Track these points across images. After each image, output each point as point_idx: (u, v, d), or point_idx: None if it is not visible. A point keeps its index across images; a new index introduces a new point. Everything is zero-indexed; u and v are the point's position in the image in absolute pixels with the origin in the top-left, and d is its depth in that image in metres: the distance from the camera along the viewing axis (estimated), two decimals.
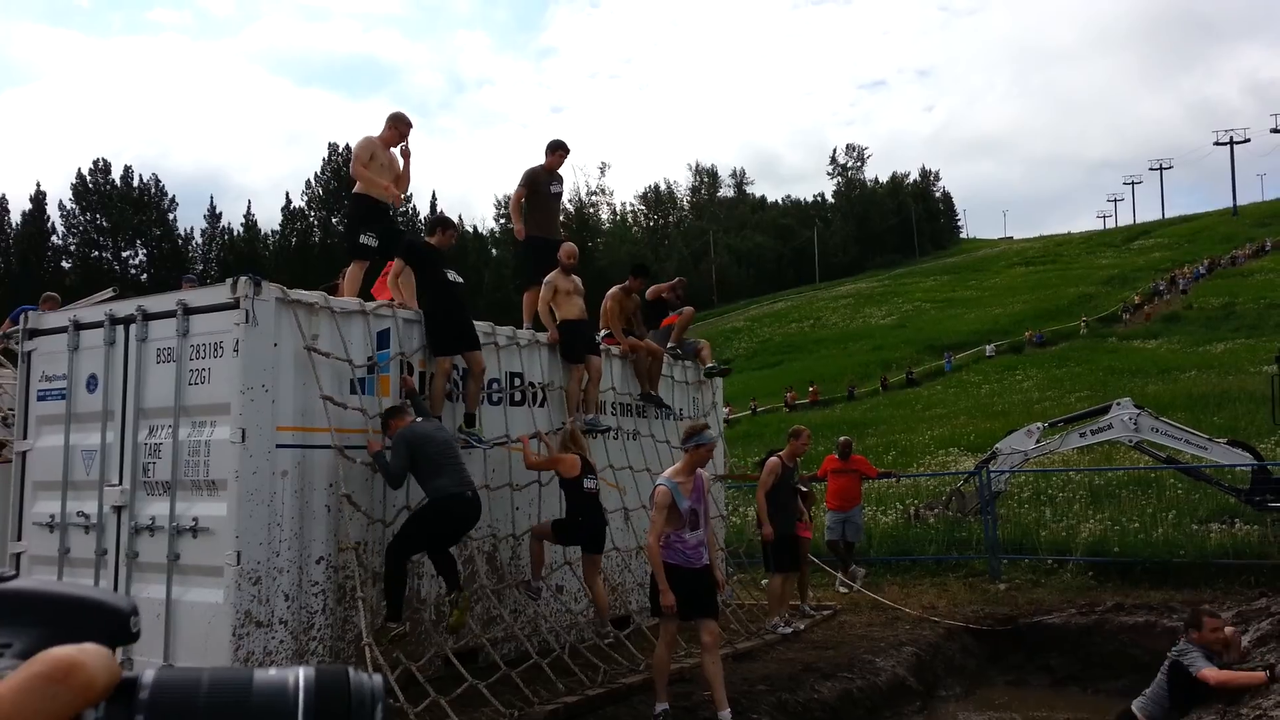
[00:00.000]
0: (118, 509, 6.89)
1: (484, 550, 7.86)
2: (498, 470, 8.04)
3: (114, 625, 0.59)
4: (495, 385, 8.33)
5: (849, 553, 12.11)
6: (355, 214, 8.71)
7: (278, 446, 6.44)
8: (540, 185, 9.50)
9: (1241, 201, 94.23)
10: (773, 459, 9.87)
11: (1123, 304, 54.31)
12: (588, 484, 7.83)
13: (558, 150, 9.59)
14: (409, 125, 8.61)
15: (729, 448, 11.89)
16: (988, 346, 47.64)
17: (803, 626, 9.74)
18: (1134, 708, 6.50)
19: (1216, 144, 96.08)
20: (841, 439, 13.10)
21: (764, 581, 10.56)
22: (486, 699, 6.43)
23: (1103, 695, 8.62)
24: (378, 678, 0.60)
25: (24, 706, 0.46)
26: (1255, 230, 75.70)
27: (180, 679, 0.52)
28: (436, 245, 7.88)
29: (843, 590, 11.60)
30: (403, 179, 8.53)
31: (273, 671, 0.55)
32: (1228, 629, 6.57)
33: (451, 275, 7.79)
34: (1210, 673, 6.12)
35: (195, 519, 6.48)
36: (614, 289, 10.18)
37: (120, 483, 6.92)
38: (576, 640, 8.09)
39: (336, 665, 0.58)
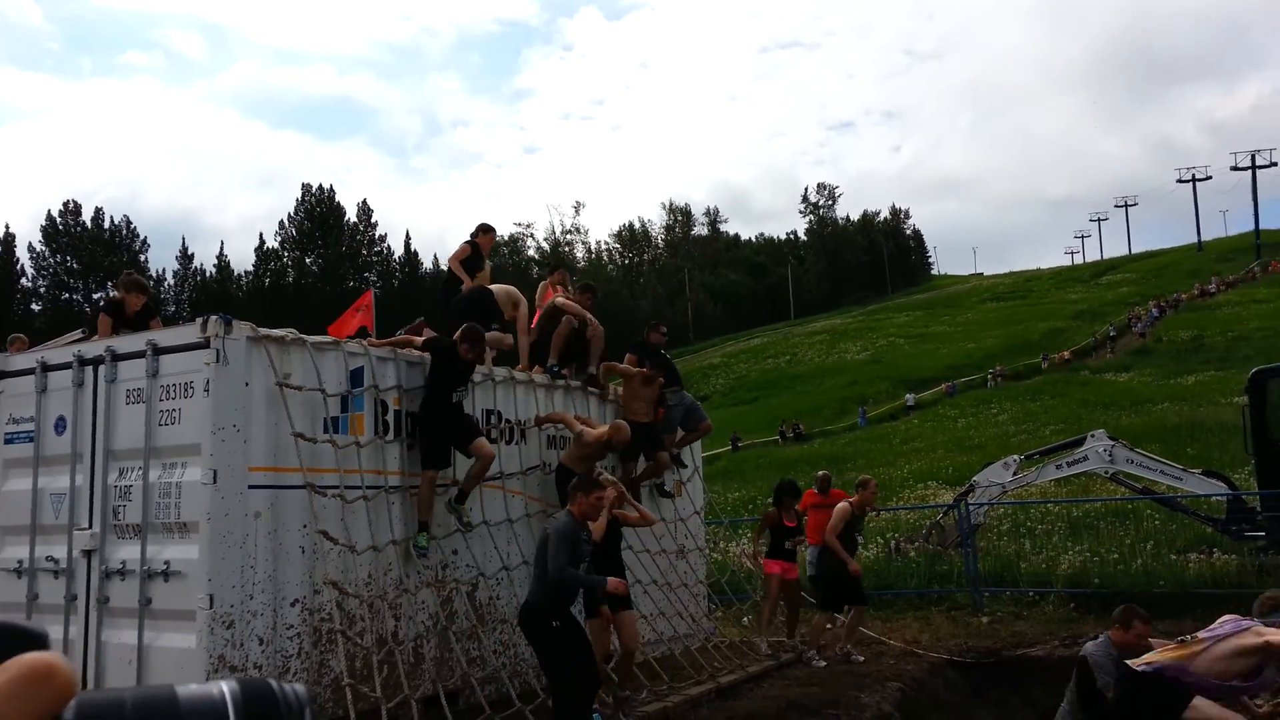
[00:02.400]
0: (87, 553, 6.72)
1: (461, 590, 7.73)
2: (474, 510, 7.93)
3: (37, 649, 0.57)
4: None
5: None
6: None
7: (250, 487, 6.32)
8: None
9: (1206, 237, 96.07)
10: (843, 505, 10.12)
11: (1094, 338, 55.07)
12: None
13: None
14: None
15: (707, 485, 11.83)
16: (909, 396, 47.25)
17: (823, 663, 9.68)
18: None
19: (1179, 181, 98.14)
20: (820, 474, 13.07)
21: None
22: None
23: None
24: (299, 686, 0.58)
25: (8, 708, 0.44)
26: (1220, 265, 77.09)
27: (105, 699, 0.49)
28: (465, 354, 7.58)
29: (828, 626, 11.50)
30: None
31: (194, 686, 0.53)
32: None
33: (456, 395, 7.57)
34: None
35: (167, 562, 6.34)
36: (634, 378, 9.75)
37: (90, 526, 6.77)
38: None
39: (257, 677, 0.56)
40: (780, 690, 8.67)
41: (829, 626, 10.21)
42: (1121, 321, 57.33)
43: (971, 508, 13.15)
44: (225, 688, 0.54)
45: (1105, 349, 51.94)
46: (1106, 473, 13.51)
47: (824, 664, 9.65)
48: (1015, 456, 14.47)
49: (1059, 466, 13.62)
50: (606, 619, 7.39)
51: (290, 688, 0.59)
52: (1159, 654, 5.78)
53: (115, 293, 8.45)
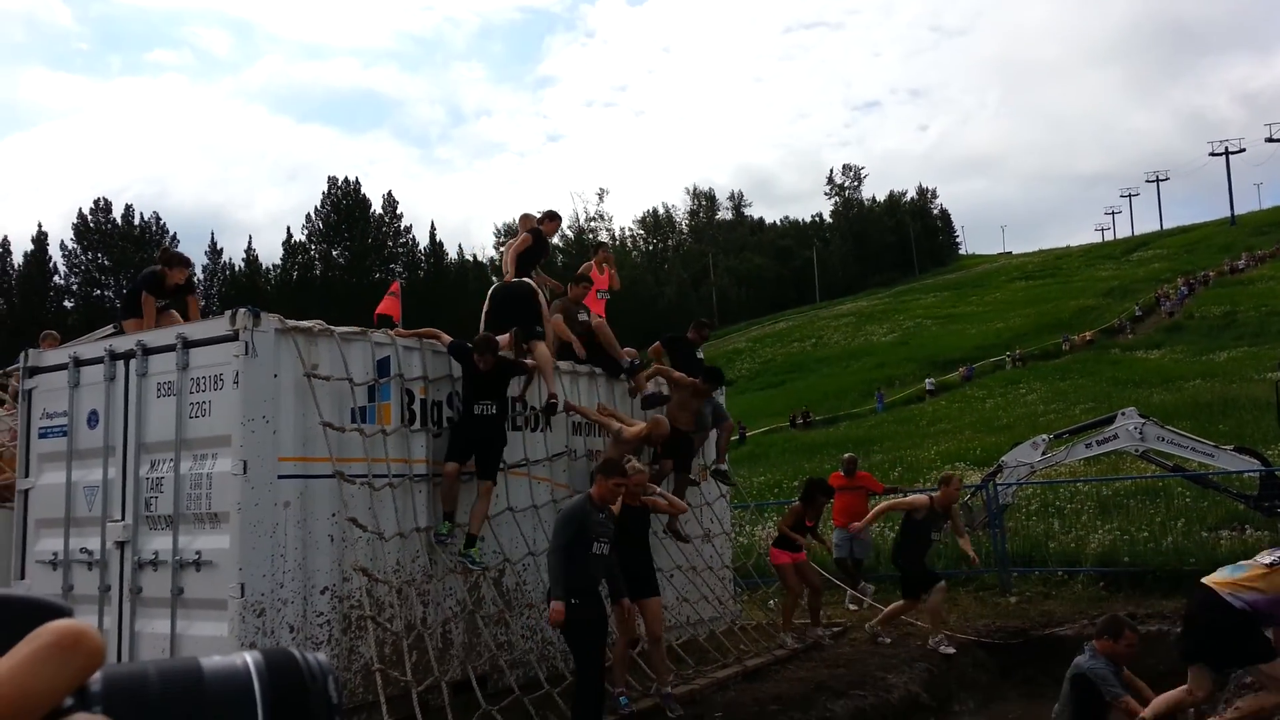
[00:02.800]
0: (120, 544, 6.86)
1: (489, 576, 7.82)
2: (499, 496, 8.01)
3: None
4: None
5: (857, 570, 12.03)
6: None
7: (280, 477, 6.42)
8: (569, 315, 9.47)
9: (1239, 210, 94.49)
10: (920, 497, 10.28)
11: (1118, 320, 54.36)
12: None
13: (579, 283, 9.80)
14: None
15: (734, 470, 11.84)
16: (928, 381, 46.22)
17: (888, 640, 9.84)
18: None
19: (1212, 154, 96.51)
20: (846, 456, 13.06)
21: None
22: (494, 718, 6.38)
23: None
24: (321, 655, 0.59)
25: (39, 676, 0.45)
26: (1253, 239, 75.79)
27: (128, 670, 0.51)
28: (478, 364, 7.52)
29: (852, 608, 11.52)
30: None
31: (218, 658, 0.55)
32: None
33: (479, 408, 7.52)
34: (1130, 704, 5.87)
35: (198, 552, 6.45)
36: (685, 387, 9.62)
37: (123, 518, 6.90)
38: None
39: (280, 647, 0.57)
40: (807, 672, 8.69)
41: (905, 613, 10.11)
42: (1149, 301, 56.49)
43: (999, 488, 13.07)
44: (249, 658, 0.56)
45: (1125, 331, 51.17)
46: (1137, 451, 13.36)
47: (946, 648, 9.47)
48: (1044, 436, 14.33)
49: (1088, 445, 13.48)
50: (627, 607, 7.42)
51: (313, 657, 0.60)
52: (1250, 576, 6.00)
53: (155, 268, 8.28)
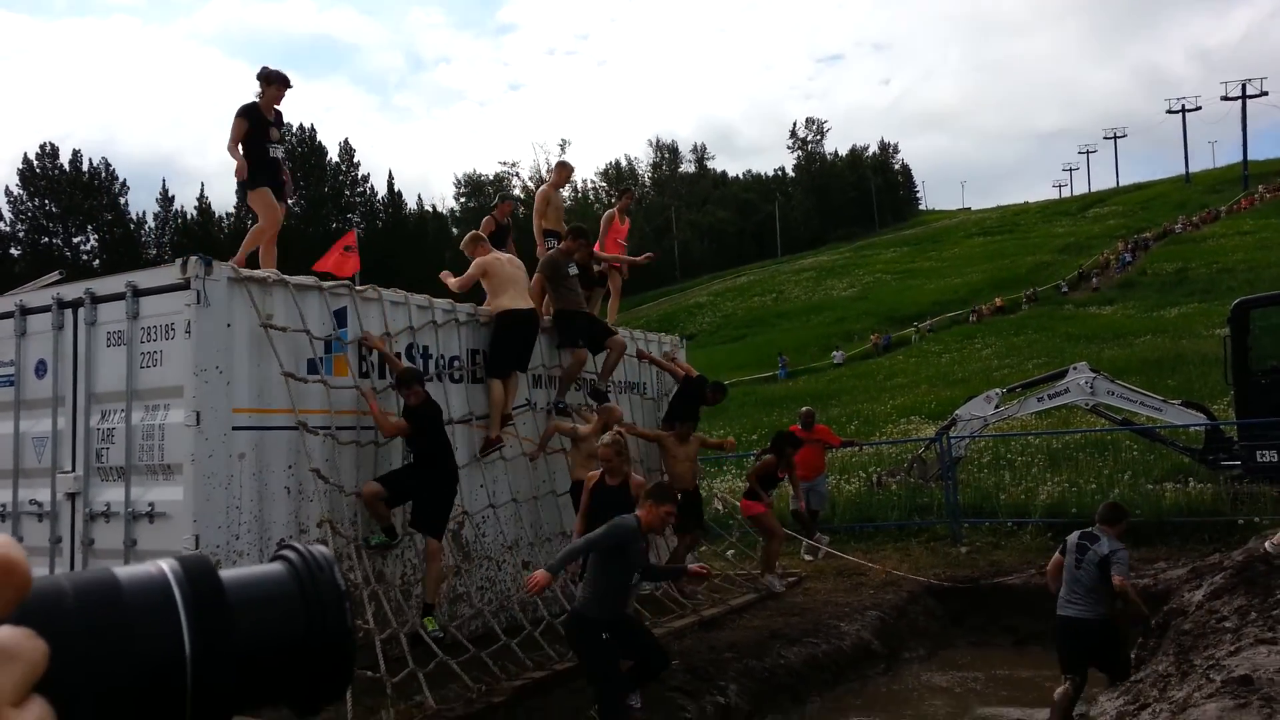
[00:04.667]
0: (71, 496, 6.77)
1: (450, 528, 7.82)
2: (461, 447, 7.99)
3: None
4: (457, 363, 8.27)
5: (814, 521, 12.21)
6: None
7: (234, 429, 6.35)
8: (560, 269, 9.32)
9: (1194, 168, 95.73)
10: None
11: (1070, 276, 54.88)
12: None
13: (578, 238, 9.55)
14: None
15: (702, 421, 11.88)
16: (836, 354, 44.24)
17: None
18: (1083, 614, 6.84)
19: (1169, 112, 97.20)
20: (804, 409, 13.18)
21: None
22: (456, 674, 6.42)
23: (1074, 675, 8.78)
24: (321, 547, 0.59)
25: None
26: (1207, 196, 76.95)
27: (42, 585, 0.49)
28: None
29: (807, 558, 11.71)
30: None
31: (133, 566, 0.53)
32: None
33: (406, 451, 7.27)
34: (1132, 590, 7.03)
35: (151, 504, 6.38)
36: (667, 440, 9.75)
37: (73, 469, 6.80)
38: (550, 615, 8.06)
39: (196, 552, 0.56)
40: (762, 621, 8.85)
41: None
42: (1094, 264, 56.79)
43: (953, 441, 13.30)
44: (164, 565, 0.54)
45: (1062, 289, 51.38)
46: (1087, 405, 13.67)
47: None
48: (997, 390, 14.59)
49: (1040, 399, 13.76)
50: None
51: (316, 548, 0.60)
52: None
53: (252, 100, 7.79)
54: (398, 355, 7.55)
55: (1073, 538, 7.24)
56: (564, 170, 11.27)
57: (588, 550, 5.91)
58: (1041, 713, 7.46)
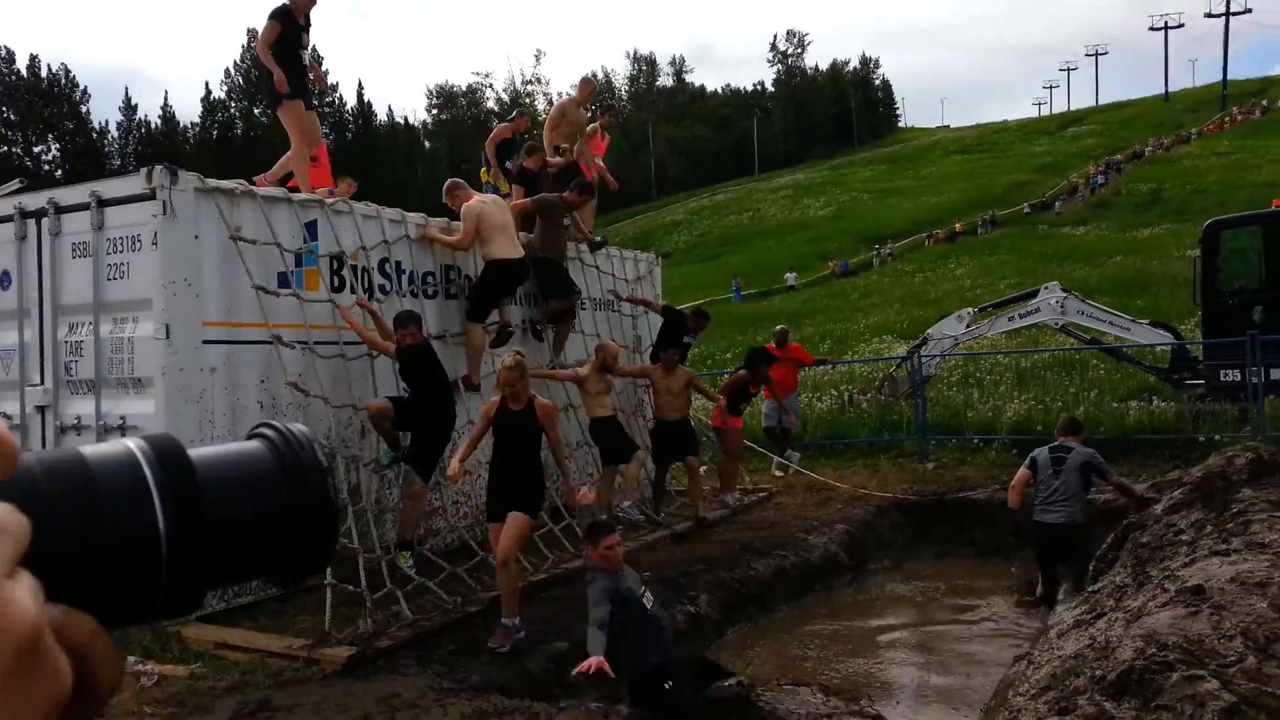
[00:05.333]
0: (41, 409, 6.73)
1: None
2: (446, 369, 7.95)
3: None
4: (430, 279, 8.20)
5: (785, 438, 12.37)
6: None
7: (204, 343, 6.30)
8: (556, 215, 9.13)
9: (1174, 87, 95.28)
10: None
11: (1034, 201, 54.56)
12: None
13: (585, 196, 9.35)
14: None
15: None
16: (788, 276, 43.39)
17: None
18: (1059, 519, 7.49)
19: (1151, 29, 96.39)
20: (778, 328, 13.25)
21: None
22: (429, 589, 6.53)
23: (1029, 567, 9.05)
24: (299, 425, 0.59)
25: None
26: (1186, 116, 76.73)
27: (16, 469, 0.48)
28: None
29: (778, 474, 11.90)
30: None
31: (99, 445, 0.52)
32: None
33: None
34: (1125, 481, 8.25)
35: (123, 417, 6.36)
36: (654, 372, 9.64)
37: (42, 382, 6.74)
38: None
39: (162, 433, 0.55)
40: (733, 535, 9.03)
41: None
42: (1060, 191, 56.33)
43: (923, 360, 13.44)
44: (131, 444, 0.53)
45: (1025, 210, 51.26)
46: (1057, 324, 13.82)
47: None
48: (969, 309, 14.71)
49: (1011, 319, 13.89)
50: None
51: (294, 426, 0.59)
52: None
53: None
54: (365, 271, 7.48)
55: (1042, 453, 7.79)
56: (588, 87, 11.01)
57: (602, 619, 4.99)
58: (996, 619, 7.72)
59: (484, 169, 10.99)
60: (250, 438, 0.59)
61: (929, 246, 47.30)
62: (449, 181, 8.60)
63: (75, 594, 0.46)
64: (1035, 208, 52.73)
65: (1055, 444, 7.88)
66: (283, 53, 7.44)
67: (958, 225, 50.25)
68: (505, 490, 6.19)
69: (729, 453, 10.59)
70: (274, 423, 0.59)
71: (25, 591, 0.41)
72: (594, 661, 4.68)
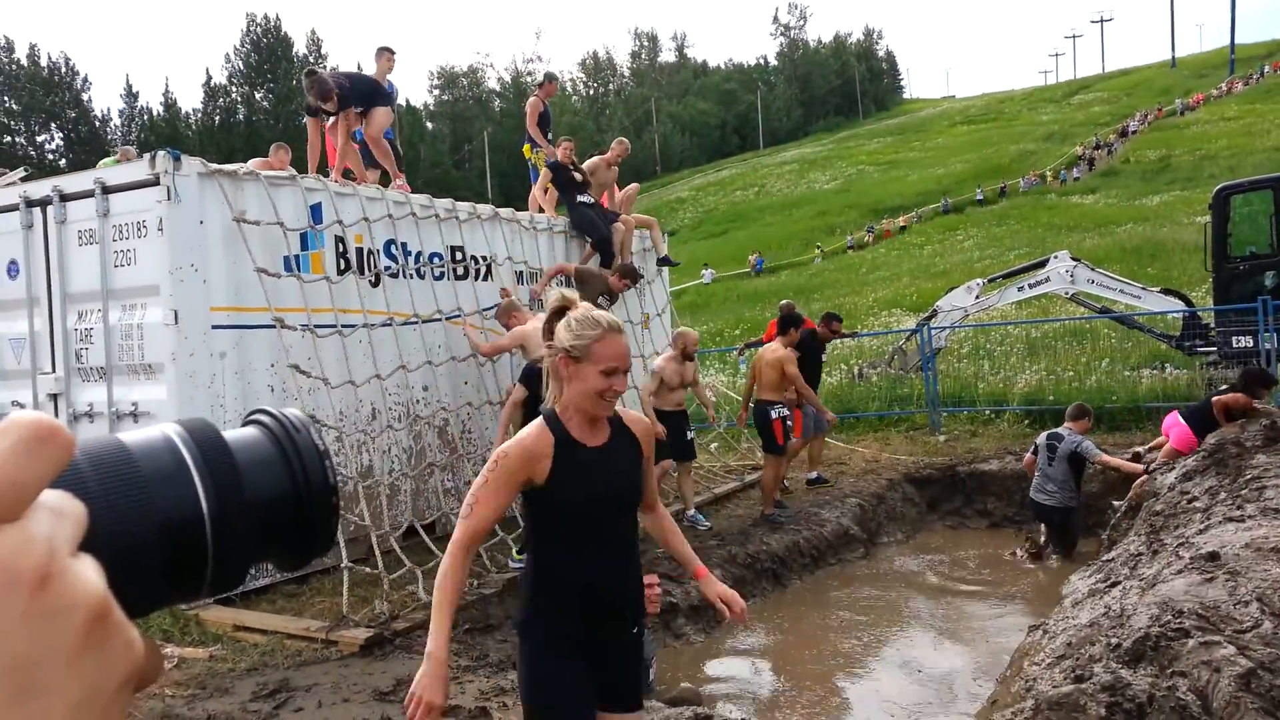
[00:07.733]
0: (53, 396, 6.74)
1: (434, 425, 7.87)
2: (441, 346, 7.97)
3: None
4: (437, 260, 8.18)
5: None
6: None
7: (213, 327, 6.31)
8: (589, 288, 8.78)
9: (1180, 53, 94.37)
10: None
11: (1040, 171, 54.29)
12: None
13: (624, 278, 9.08)
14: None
15: (678, 318, 11.88)
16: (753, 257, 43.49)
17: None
18: (1048, 501, 8.15)
19: None
20: (784, 302, 13.19)
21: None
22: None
23: (1036, 534, 9.05)
24: (295, 410, 0.59)
25: (23, 468, 0.41)
26: (1193, 81, 75.99)
27: None
28: None
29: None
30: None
31: (138, 433, 0.53)
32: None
33: None
34: (1109, 459, 8.27)
35: (135, 403, 6.38)
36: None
37: (54, 370, 6.76)
38: None
39: (197, 417, 0.56)
40: (745, 509, 9.03)
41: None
42: (1059, 166, 55.43)
43: (933, 332, 13.39)
44: (168, 430, 0.54)
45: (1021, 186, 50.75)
46: (1067, 294, 13.74)
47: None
48: (979, 280, 14.64)
49: (1021, 289, 13.82)
50: None
51: (290, 411, 0.59)
52: None
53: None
54: (371, 253, 7.47)
55: (1041, 439, 8.47)
56: (620, 147, 10.67)
57: None
58: (1010, 589, 7.73)
59: (526, 145, 10.86)
60: (245, 425, 0.60)
61: (917, 224, 46.77)
62: (506, 302, 8.10)
63: (129, 576, 0.47)
64: (1035, 181, 51.99)
65: (1053, 431, 8.49)
66: None
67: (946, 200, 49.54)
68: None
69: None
70: (268, 409, 0.59)
71: (90, 568, 0.42)
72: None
